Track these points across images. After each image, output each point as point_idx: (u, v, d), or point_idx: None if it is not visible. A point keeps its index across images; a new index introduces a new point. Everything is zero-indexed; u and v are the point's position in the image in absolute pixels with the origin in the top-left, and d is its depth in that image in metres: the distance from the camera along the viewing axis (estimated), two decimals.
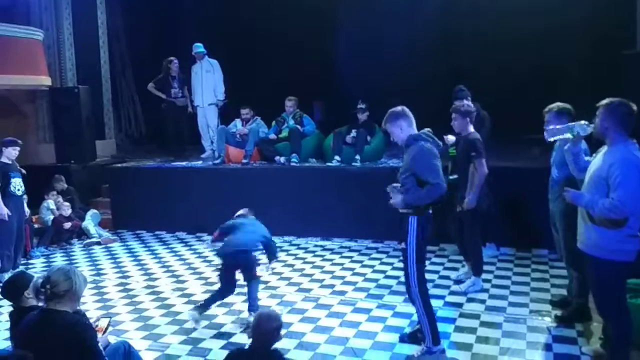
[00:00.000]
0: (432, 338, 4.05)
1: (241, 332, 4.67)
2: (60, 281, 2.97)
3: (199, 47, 8.93)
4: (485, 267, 6.10)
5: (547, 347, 4.21)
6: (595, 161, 3.62)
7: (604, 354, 3.81)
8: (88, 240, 7.91)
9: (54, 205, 7.91)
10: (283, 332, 4.46)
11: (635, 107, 3.48)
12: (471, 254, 5.59)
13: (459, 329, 4.57)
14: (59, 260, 7.20)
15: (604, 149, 3.59)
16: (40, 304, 3.24)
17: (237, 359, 3.22)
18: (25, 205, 6.67)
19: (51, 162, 9.49)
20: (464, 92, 6.08)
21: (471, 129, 5.27)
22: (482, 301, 5.17)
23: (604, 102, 3.55)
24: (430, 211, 4.01)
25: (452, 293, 5.42)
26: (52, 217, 7.81)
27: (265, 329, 3.12)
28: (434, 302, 4.55)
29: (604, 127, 3.51)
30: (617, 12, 8.19)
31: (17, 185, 6.43)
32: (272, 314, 3.25)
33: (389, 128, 4.16)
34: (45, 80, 9.40)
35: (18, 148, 6.45)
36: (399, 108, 4.17)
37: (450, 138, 5.61)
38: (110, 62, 11.01)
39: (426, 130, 4.15)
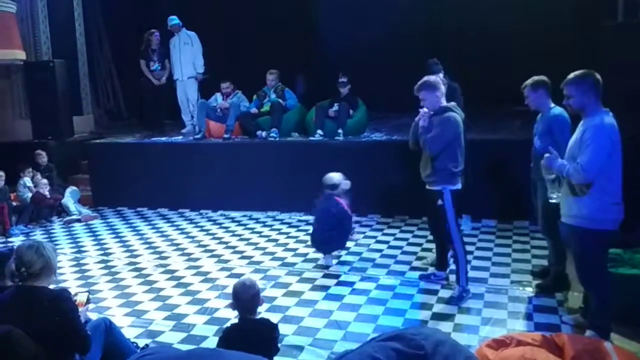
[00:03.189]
0: (466, 279, 4.62)
1: (225, 307, 4.66)
2: (34, 260, 2.92)
3: (173, 20, 8.74)
4: (467, 239, 6.12)
5: (528, 317, 4.27)
6: (575, 133, 3.67)
7: (584, 323, 3.88)
8: (68, 218, 7.80)
9: (30, 183, 7.77)
10: (267, 306, 4.50)
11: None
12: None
13: (442, 300, 4.62)
14: (38, 238, 7.09)
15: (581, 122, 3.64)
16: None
17: (233, 333, 3.27)
18: None
19: (28, 139, 9.28)
20: (439, 66, 6.03)
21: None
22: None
23: (574, 77, 3.60)
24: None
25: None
26: (30, 194, 7.68)
27: (245, 297, 3.24)
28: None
29: (584, 101, 3.56)
30: None
31: None
32: (246, 282, 3.32)
33: (423, 95, 4.55)
34: (20, 54, 9.11)
35: None
36: (433, 77, 4.70)
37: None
38: (86, 34, 10.69)
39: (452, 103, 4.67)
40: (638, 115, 5.60)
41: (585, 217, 3.54)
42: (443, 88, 4.66)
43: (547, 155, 3.76)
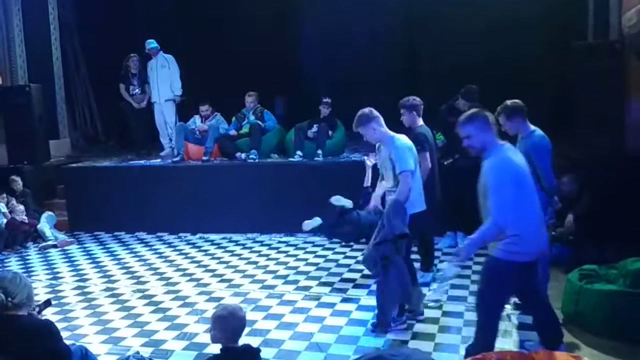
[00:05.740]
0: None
1: (205, 332, 4.60)
2: (18, 291, 2.98)
3: (151, 43, 8.75)
4: (449, 258, 6.19)
5: (508, 334, 4.29)
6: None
7: None
8: (44, 244, 7.65)
9: (5, 208, 7.63)
10: (247, 330, 4.44)
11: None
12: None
13: (422, 320, 4.60)
14: (14, 265, 6.95)
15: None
16: None
17: None
18: None
19: (3, 164, 9.14)
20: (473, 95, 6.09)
21: (420, 122, 5.26)
22: (444, 291, 5.23)
23: (465, 117, 3.47)
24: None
25: None
26: (4, 220, 7.53)
27: (234, 325, 3.07)
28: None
29: (483, 138, 3.40)
30: (572, 5, 8.35)
31: None
32: (236, 308, 3.18)
33: (361, 130, 4.39)
34: None
35: None
36: (367, 110, 4.39)
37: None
38: (63, 58, 10.65)
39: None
40: (608, 133, 5.72)
41: (501, 247, 3.38)
42: (378, 118, 4.42)
43: (461, 249, 3.59)
